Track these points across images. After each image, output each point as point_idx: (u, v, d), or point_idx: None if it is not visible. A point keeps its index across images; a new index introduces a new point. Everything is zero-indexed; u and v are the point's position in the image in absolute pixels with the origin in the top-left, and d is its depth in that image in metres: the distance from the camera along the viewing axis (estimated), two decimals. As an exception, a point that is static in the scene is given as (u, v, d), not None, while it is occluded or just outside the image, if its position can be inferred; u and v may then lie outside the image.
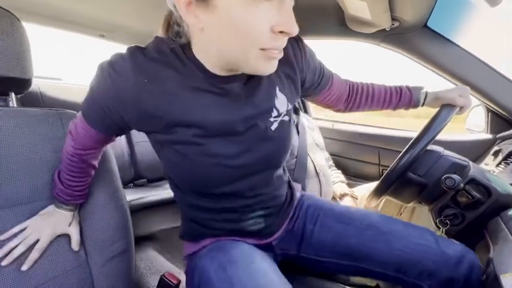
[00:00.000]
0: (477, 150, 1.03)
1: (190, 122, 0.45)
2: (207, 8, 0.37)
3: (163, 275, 0.63)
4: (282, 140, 0.54)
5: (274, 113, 0.51)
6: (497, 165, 0.88)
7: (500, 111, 0.94)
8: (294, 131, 1.06)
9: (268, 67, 0.42)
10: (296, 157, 1.02)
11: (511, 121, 0.94)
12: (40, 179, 0.59)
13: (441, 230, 0.66)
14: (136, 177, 1.54)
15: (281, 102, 0.52)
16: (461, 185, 0.57)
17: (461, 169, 0.64)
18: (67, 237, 0.59)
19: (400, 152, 1.20)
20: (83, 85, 1.58)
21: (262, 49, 0.39)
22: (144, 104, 0.44)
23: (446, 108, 0.65)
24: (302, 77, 0.56)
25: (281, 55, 0.42)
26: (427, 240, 0.56)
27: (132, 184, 1.55)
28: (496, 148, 0.94)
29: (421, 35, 0.94)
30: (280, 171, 0.60)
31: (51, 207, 0.59)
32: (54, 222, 0.57)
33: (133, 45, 0.45)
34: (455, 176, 0.57)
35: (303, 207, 0.67)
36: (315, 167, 1.05)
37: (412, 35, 0.95)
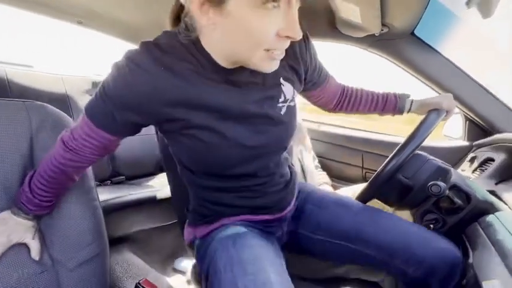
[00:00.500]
0: (454, 157, 1.08)
1: (208, 106, 0.48)
2: (221, 11, 0.39)
3: (138, 282, 0.60)
4: (291, 123, 0.58)
5: (282, 98, 0.55)
6: (473, 172, 0.93)
7: (478, 120, 0.98)
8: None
9: (270, 66, 0.46)
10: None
11: (486, 129, 0.98)
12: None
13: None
14: (114, 174, 1.47)
15: (287, 89, 0.56)
16: (446, 192, 0.59)
17: (445, 174, 0.66)
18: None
19: (384, 156, 1.24)
20: (56, 74, 1.48)
21: (267, 50, 0.43)
22: (165, 93, 0.46)
23: (433, 113, 0.67)
24: (305, 70, 0.60)
25: (283, 55, 0.46)
26: (421, 230, 0.62)
27: (109, 181, 1.47)
28: (472, 155, 0.99)
29: (408, 43, 0.96)
30: (285, 152, 0.65)
31: (6, 213, 0.53)
32: (9, 230, 0.52)
33: (146, 40, 0.47)
34: (441, 183, 0.58)
35: (306, 189, 0.73)
36: (302, 168, 1.05)
37: (400, 42, 0.97)
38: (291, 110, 0.57)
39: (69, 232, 0.60)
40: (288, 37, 0.42)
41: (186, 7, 0.44)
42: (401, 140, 0.80)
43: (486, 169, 0.87)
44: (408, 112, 0.74)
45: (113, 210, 1.10)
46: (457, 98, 0.98)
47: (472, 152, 1.01)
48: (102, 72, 1.75)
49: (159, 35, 0.49)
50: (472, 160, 0.98)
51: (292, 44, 0.48)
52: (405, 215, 0.98)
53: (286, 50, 0.47)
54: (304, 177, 1.06)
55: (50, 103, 0.64)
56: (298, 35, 0.41)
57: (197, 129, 0.50)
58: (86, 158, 0.53)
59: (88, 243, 0.62)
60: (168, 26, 0.53)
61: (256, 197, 0.60)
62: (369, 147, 1.30)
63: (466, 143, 1.07)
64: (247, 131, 0.52)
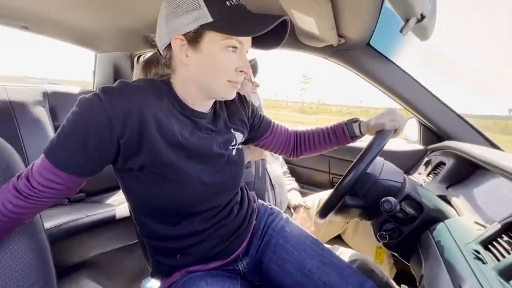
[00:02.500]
0: (411, 160, 1.13)
1: (178, 143, 0.53)
2: (196, 49, 0.51)
3: None
4: (241, 163, 0.67)
5: (234, 142, 0.65)
6: (428, 175, 0.98)
7: (430, 125, 1.04)
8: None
9: (231, 93, 0.58)
10: (255, 168, 1.01)
11: (439, 135, 1.04)
12: None
13: (381, 243, 0.70)
14: (71, 192, 1.35)
15: (238, 136, 0.67)
16: (398, 207, 0.60)
17: (395, 190, 0.68)
18: None
19: (349, 161, 1.28)
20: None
21: (229, 81, 0.54)
22: (144, 124, 0.49)
23: (380, 134, 0.67)
24: (247, 117, 0.72)
25: (239, 86, 0.58)
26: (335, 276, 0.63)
27: (67, 200, 1.35)
28: (426, 159, 1.04)
29: (364, 53, 1.00)
30: (239, 191, 0.70)
31: None
32: None
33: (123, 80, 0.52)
34: (392, 199, 0.60)
35: (261, 231, 0.74)
36: (270, 179, 1.04)
37: (357, 52, 1.00)
38: (240, 152, 0.67)
39: (8, 272, 0.53)
40: (242, 71, 0.55)
41: (166, 51, 0.55)
42: (363, 145, 0.82)
43: (439, 173, 0.92)
44: (362, 135, 0.76)
45: (68, 235, 1.00)
46: (410, 105, 1.03)
47: (427, 155, 1.07)
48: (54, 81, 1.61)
49: (136, 80, 0.55)
50: (426, 164, 1.03)
51: (235, 103, 0.69)
52: (367, 226, 1.01)
53: (234, 109, 0.68)
54: (272, 186, 1.05)
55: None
56: (249, 71, 0.56)
57: (162, 167, 0.52)
58: (43, 203, 0.49)
59: (31, 283, 0.55)
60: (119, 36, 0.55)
61: (209, 238, 0.61)
62: (335, 153, 1.32)
63: (421, 147, 1.13)
64: (207, 169, 0.58)
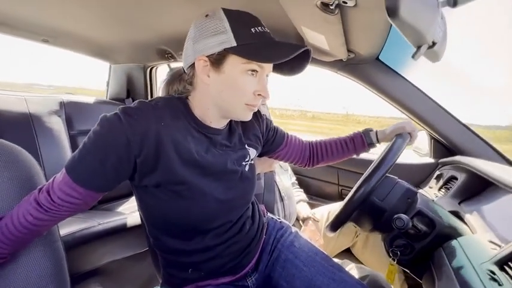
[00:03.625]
0: (422, 174, 1.12)
1: (194, 162, 0.55)
2: (217, 71, 0.53)
3: None
4: (253, 178, 0.68)
5: (247, 158, 0.66)
6: (439, 189, 0.97)
7: (441, 139, 1.04)
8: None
9: (248, 115, 0.59)
10: (264, 180, 1.02)
11: (450, 148, 1.04)
12: None
13: (393, 259, 0.69)
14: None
15: (251, 152, 0.68)
16: (410, 224, 0.60)
17: (413, 195, 0.68)
18: None
19: (358, 173, 1.27)
20: (18, 95, 1.39)
21: (246, 104, 0.56)
22: (161, 144, 0.51)
23: (399, 138, 0.71)
24: (261, 132, 0.74)
25: (256, 109, 0.60)
26: None
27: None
28: (438, 173, 1.03)
29: (374, 67, 1.01)
30: (250, 207, 0.71)
31: None
32: None
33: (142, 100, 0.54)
34: (404, 216, 0.60)
35: (271, 247, 0.74)
36: (279, 190, 1.05)
37: (366, 66, 1.02)
38: (252, 167, 0.68)
39: (25, 280, 0.54)
40: (260, 95, 0.56)
41: (189, 69, 0.58)
42: (373, 157, 0.83)
43: (450, 187, 0.91)
44: (378, 143, 0.80)
45: (81, 243, 1.02)
46: (420, 118, 1.03)
47: (438, 169, 1.06)
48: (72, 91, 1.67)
49: (154, 98, 0.56)
50: (438, 178, 1.02)
51: (251, 118, 0.64)
52: (377, 239, 1.00)
53: (249, 125, 0.69)
54: (281, 197, 1.06)
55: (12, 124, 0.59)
56: (268, 95, 0.56)
57: (178, 185, 0.53)
58: (61, 216, 0.52)
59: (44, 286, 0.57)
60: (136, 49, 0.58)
61: (218, 258, 0.62)
62: (344, 165, 1.32)
63: (432, 160, 1.12)
64: (221, 186, 0.59)
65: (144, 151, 0.50)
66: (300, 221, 1.12)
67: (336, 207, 1.13)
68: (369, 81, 1.04)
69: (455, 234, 0.64)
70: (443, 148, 1.07)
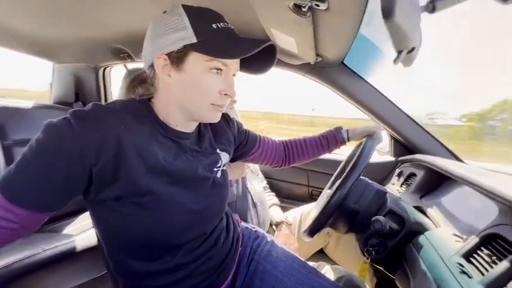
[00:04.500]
0: (384, 171, 1.20)
1: (161, 169, 0.49)
2: (178, 69, 0.50)
3: None
4: (226, 185, 0.64)
5: (219, 164, 0.62)
6: (401, 186, 1.04)
7: (400, 139, 1.11)
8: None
9: (215, 116, 0.55)
10: (236, 187, 0.97)
11: (408, 147, 1.12)
12: None
13: (368, 258, 0.70)
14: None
15: (224, 156, 0.65)
16: (387, 226, 0.62)
17: (383, 196, 0.71)
18: None
19: (327, 173, 1.30)
20: None
21: (212, 104, 0.52)
22: (122, 151, 0.45)
23: (370, 139, 0.73)
24: (234, 136, 0.71)
25: (224, 109, 0.55)
26: None
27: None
28: (398, 170, 1.11)
29: (339, 71, 1.04)
30: (223, 217, 0.67)
31: None
32: None
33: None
34: (382, 219, 0.61)
35: (246, 260, 0.70)
36: (252, 197, 1.01)
37: (332, 70, 1.05)
38: (224, 173, 0.64)
39: None
40: (226, 95, 0.52)
41: (150, 69, 0.54)
42: (341, 158, 0.85)
43: (411, 183, 0.98)
44: (349, 141, 0.83)
45: (22, 275, 0.86)
46: (381, 119, 1.10)
47: (398, 167, 1.14)
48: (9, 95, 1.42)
49: (112, 102, 0.51)
50: (399, 175, 1.09)
51: (220, 121, 0.66)
52: (348, 238, 1.03)
53: (219, 128, 0.66)
54: (254, 204, 1.02)
55: None
56: (235, 94, 0.53)
57: (143, 196, 0.48)
58: None
59: None
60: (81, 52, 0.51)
61: (192, 277, 0.57)
62: (313, 166, 1.35)
63: (392, 159, 1.20)
64: (192, 195, 0.54)
65: (101, 159, 0.43)
66: (273, 226, 1.10)
67: (308, 208, 1.14)
68: (335, 85, 1.08)
69: (422, 229, 0.68)
70: (402, 147, 1.15)
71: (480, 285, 0.44)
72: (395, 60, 0.35)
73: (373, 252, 0.69)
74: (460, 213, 0.69)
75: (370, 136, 0.76)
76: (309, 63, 0.99)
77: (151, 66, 0.53)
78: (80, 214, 1.34)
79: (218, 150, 0.64)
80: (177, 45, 0.48)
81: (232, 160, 0.75)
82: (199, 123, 0.61)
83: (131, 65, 1.46)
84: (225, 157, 0.65)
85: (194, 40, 0.48)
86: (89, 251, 1.02)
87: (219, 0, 0.73)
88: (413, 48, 0.34)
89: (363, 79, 1.04)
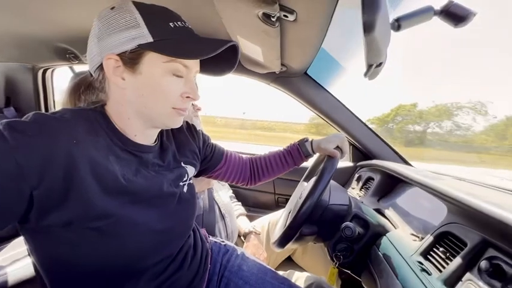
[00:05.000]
0: (344, 176, 1.26)
1: (121, 188, 0.44)
2: (133, 71, 0.45)
3: None
4: (193, 200, 0.60)
5: (185, 177, 0.59)
6: (360, 189, 1.10)
7: (358, 145, 1.19)
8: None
9: (177, 121, 0.51)
10: (202, 200, 0.92)
11: (365, 153, 1.20)
12: None
13: (335, 263, 0.72)
14: None
15: (189, 170, 0.61)
16: (357, 231, 0.64)
17: (344, 214, 0.73)
18: None
19: (292, 180, 1.32)
20: None
21: (174, 108, 0.49)
22: (74, 169, 0.39)
23: (330, 160, 0.70)
24: (198, 147, 0.67)
25: (186, 114, 0.51)
26: None
27: None
28: (357, 175, 1.18)
29: (302, 80, 1.08)
30: (191, 234, 0.63)
31: None
32: None
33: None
34: (351, 225, 0.64)
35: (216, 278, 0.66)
36: (219, 208, 0.97)
37: (295, 80, 1.08)
38: (191, 187, 0.60)
39: None
40: (189, 98, 0.49)
41: (98, 72, 0.48)
42: (307, 164, 0.86)
43: (369, 187, 1.04)
44: (314, 154, 0.79)
45: None
46: (341, 127, 1.16)
47: (357, 172, 1.22)
48: None
49: (59, 111, 0.43)
50: (358, 179, 1.17)
51: (184, 132, 0.63)
52: (318, 246, 1.05)
53: (183, 140, 0.62)
54: (222, 215, 0.98)
55: None
56: (197, 97, 0.50)
57: (99, 219, 0.41)
58: None
59: None
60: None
61: None
62: (278, 173, 1.36)
63: (351, 164, 1.27)
64: (156, 214, 0.50)
65: (46, 180, 0.36)
66: (242, 237, 1.07)
67: (275, 216, 1.14)
68: (298, 94, 1.11)
69: (384, 231, 0.72)
70: (359, 153, 1.23)
71: (439, 281, 0.48)
72: (366, 74, 0.37)
73: (341, 257, 0.71)
74: (414, 213, 0.76)
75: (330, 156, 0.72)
76: (274, 72, 1.01)
77: (100, 68, 0.47)
78: (12, 240, 1.13)
79: (182, 164, 0.59)
80: (130, 44, 0.43)
81: (196, 175, 0.70)
82: (161, 135, 0.57)
83: (79, 68, 1.31)
84: (190, 170, 0.61)
85: (150, 39, 0.43)
86: (25, 285, 0.86)
87: (182, 3, 0.70)
88: (381, 63, 0.36)
89: (325, 89, 1.09)
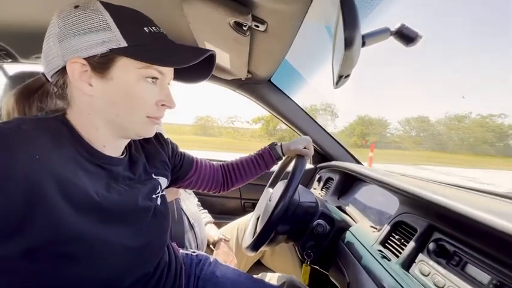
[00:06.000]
0: (306, 177, 1.34)
1: (93, 205, 0.40)
2: (103, 77, 0.42)
3: None
4: (167, 213, 0.58)
5: (158, 189, 0.56)
6: (321, 189, 1.18)
7: (317, 148, 1.28)
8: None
9: (150, 131, 0.49)
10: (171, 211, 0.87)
11: (323, 155, 1.30)
12: None
13: (307, 261, 0.76)
14: None
15: (162, 181, 0.58)
16: (328, 227, 0.69)
17: (312, 211, 0.78)
18: None
19: (258, 184, 1.35)
20: None
21: (148, 117, 0.46)
22: (36, 188, 0.34)
23: (299, 161, 0.76)
24: (168, 157, 0.64)
25: (160, 122, 0.49)
26: None
27: None
28: (318, 176, 1.27)
29: (266, 87, 1.12)
30: (165, 250, 0.60)
31: None
32: None
33: None
34: (323, 222, 0.68)
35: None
36: (188, 218, 0.94)
37: (260, 86, 1.12)
38: (164, 199, 0.58)
39: None
40: (164, 105, 0.47)
41: (57, 77, 0.43)
42: (272, 168, 0.89)
43: (329, 187, 1.13)
44: (283, 157, 0.83)
45: None
46: (301, 131, 1.24)
47: (317, 173, 1.30)
48: None
49: (14, 120, 0.38)
50: (318, 180, 1.25)
51: (153, 142, 0.60)
52: (282, 245, 1.09)
53: (151, 150, 0.59)
54: (191, 225, 0.95)
55: None
56: (173, 105, 0.49)
57: (68, 242, 0.37)
58: None
59: None
60: None
61: None
62: (244, 178, 1.37)
63: (312, 166, 1.36)
64: (130, 230, 0.46)
65: (2, 204, 0.32)
66: (211, 245, 1.05)
67: (243, 221, 1.15)
68: (263, 100, 1.15)
69: (346, 226, 0.79)
70: (319, 155, 1.32)
71: (397, 264, 0.55)
72: (337, 83, 0.41)
73: (312, 254, 0.75)
74: (370, 207, 0.85)
75: (301, 156, 0.78)
76: (240, 79, 1.03)
77: (60, 72, 0.43)
78: None
79: (153, 175, 0.57)
80: (100, 48, 0.40)
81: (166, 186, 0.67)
82: (129, 146, 0.53)
83: (11, 67, 1.14)
84: (163, 181, 0.59)
85: (124, 44, 0.41)
86: None
87: (148, 5, 0.67)
88: (348, 74, 0.40)
89: (287, 96, 1.16)
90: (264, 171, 0.83)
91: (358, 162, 1.28)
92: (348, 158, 1.28)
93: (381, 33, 0.38)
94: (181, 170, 0.70)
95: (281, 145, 0.82)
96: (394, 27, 0.39)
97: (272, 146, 0.83)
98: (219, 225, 1.19)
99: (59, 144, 0.39)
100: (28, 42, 1.05)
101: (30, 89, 0.46)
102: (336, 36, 0.37)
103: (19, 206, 0.32)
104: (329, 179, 1.17)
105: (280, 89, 1.14)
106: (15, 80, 0.78)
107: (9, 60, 1.08)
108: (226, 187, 0.80)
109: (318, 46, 0.94)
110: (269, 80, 1.10)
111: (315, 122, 1.23)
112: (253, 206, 1.40)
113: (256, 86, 1.11)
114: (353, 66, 0.36)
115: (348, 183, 1.05)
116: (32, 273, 0.36)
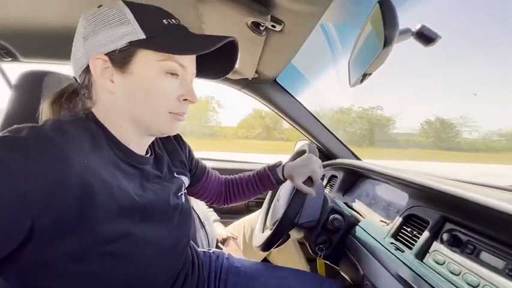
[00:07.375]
0: (310, 176, 1.36)
1: (134, 205, 0.41)
2: (124, 72, 0.41)
3: None
4: (191, 211, 0.60)
5: (183, 188, 0.57)
6: (326, 187, 1.21)
7: (321, 146, 1.31)
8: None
9: (174, 128, 0.48)
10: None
11: (326, 153, 1.32)
12: None
13: (320, 255, 0.78)
14: None
15: (184, 180, 0.59)
16: (344, 221, 0.71)
17: (326, 198, 0.80)
18: None
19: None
20: None
21: (170, 112, 0.45)
22: (88, 193, 0.35)
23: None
24: (186, 158, 0.64)
25: (183, 119, 0.48)
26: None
27: None
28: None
29: (272, 87, 1.14)
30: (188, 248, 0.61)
31: None
32: None
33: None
34: (339, 217, 0.70)
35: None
36: (199, 217, 0.94)
37: (265, 86, 1.13)
38: (187, 198, 0.59)
39: None
40: (186, 100, 0.46)
41: (83, 76, 0.44)
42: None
43: (333, 184, 1.15)
44: (285, 180, 0.73)
45: None
46: (306, 131, 1.26)
47: (321, 171, 1.33)
48: None
49: (50, 122, 0.37)
50: (322, 178, 1.27)
51: (172, 143, 0.60)
52: (288, 243, 1.11)
53: (172, 149, 0.58)
54: (202, 224, 0.96)
55: None
56: (195, 99, 0.47)
57: (113, 241, 0.38)
58: None
59: None
60: None
61: None
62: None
63: (315, 164, 1.38)
64: (164, 229, 0.47)
65: (53, 209, 0.32)
66: (219, 243, 1.05)
67: (250, 219, 1.16)
68: (268, 100, 1.17)
69: (355, 221, 0.81)
70: (322, 154, 1.35)
71: (412, 255, 0.58)
72: (361, 81, 0.43)
73: (324, 249, 0.77)
74: (377, 202, 0.87)
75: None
76: (246, 78, 1.04)
77: (86, 71, 0.43)
78: None
79: (175, 174, 0.57)
80: (120, 42, 0.40)
81: None
82: (153, 145, 0.53)
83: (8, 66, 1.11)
84: (186, 181, 0.59)
85: (142, 36, 0.40)
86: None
87: (162, 5, 0.68)
88: (369, 74, 0.43)
89: (292, 96, 1.18)
90: (261, 193, 0.76)
91: (358, 158, 1.31)
92: (350, 156, 1.31)
93: (402, 34, 0.41)
94: (195, 176, 0.68)
95: (283, 167, 0.72)
96: (415, 28, 0.41)
97: (274, 168, 0.73)
98: (224, 224, 1.20)
99: (98, 145, 0.40)
100: (29, 40, 1.04)
101: (61, 93, 0.46)
102: (363, 35, 0.39)
103: (73, 211, 0.33)
104: (333, 177, 1.20)
105: (285, 89, 1.16)
106: (51, 83, 0.75)
107: (9, 59, 1.05)
108: (226, 203, 0.78)
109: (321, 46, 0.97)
110: (275, 80, 1.11)
111: (319, 121, 1.26)
112: (256, 205, 1.41)
113: (261, 85, 1.12)
114: (381, 64, 0.38)
115: (352, 180, 1.07)
116: (79, 275, 0.36)
